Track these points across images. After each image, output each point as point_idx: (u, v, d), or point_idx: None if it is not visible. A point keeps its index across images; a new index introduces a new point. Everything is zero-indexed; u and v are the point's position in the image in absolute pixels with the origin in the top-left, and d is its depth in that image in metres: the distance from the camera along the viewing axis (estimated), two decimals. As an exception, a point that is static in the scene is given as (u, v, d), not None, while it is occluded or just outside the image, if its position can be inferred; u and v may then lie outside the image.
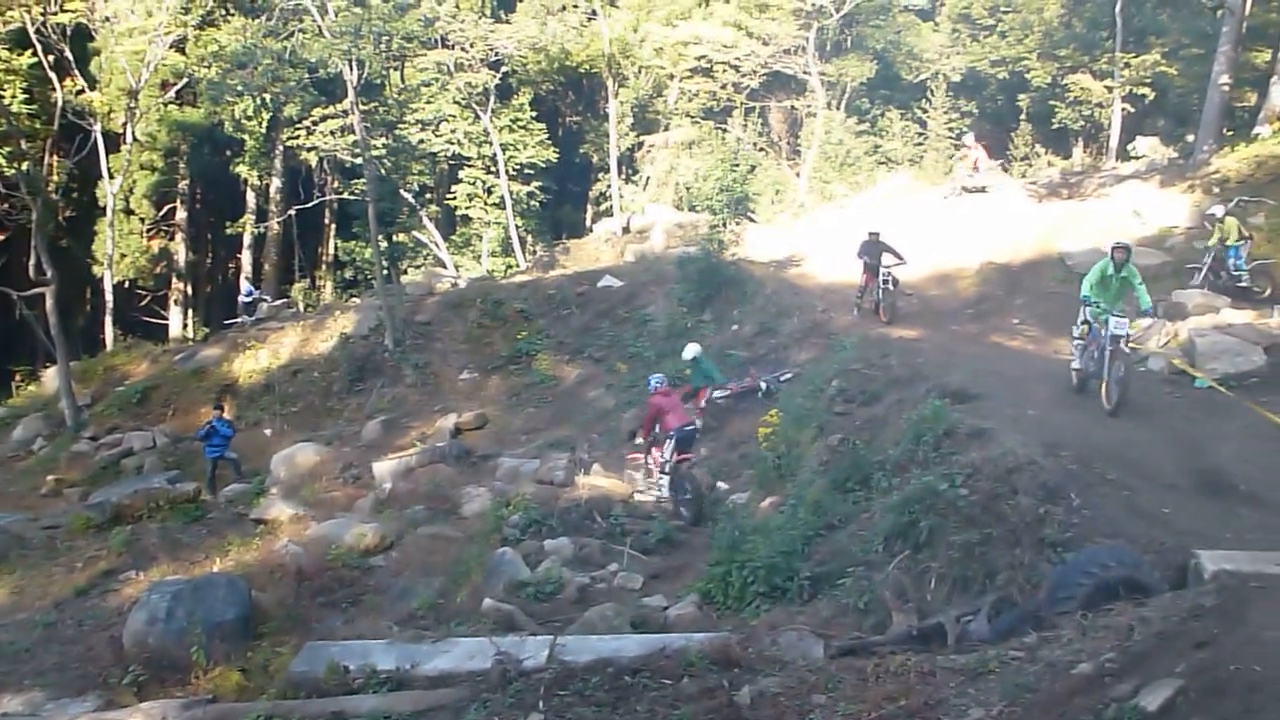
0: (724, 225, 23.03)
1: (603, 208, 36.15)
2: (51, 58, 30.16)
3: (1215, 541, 7.86)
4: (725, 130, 34.38)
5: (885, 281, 18.38)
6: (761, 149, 34.36)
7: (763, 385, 17.28)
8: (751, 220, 27.99)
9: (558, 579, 10.15)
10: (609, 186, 33.10)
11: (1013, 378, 12.74)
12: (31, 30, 28.79)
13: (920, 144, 33.98)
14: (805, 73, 33.71)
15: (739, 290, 21.07)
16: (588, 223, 37.16)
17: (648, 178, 35.00)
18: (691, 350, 17.08)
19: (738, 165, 29.54)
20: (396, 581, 11.10)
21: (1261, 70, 28.49)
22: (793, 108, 35.92)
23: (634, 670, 7.32)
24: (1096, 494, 8.57)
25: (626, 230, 30.27)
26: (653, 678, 7.19)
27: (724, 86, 34.90)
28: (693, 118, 35.37)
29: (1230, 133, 25.68)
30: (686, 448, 13.35)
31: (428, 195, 36.76)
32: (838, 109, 34.36)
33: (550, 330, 22.89)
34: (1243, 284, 17.36)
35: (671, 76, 35.50)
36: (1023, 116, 34.14)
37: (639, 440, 14.44)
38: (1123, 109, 30.77)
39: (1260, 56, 28.93)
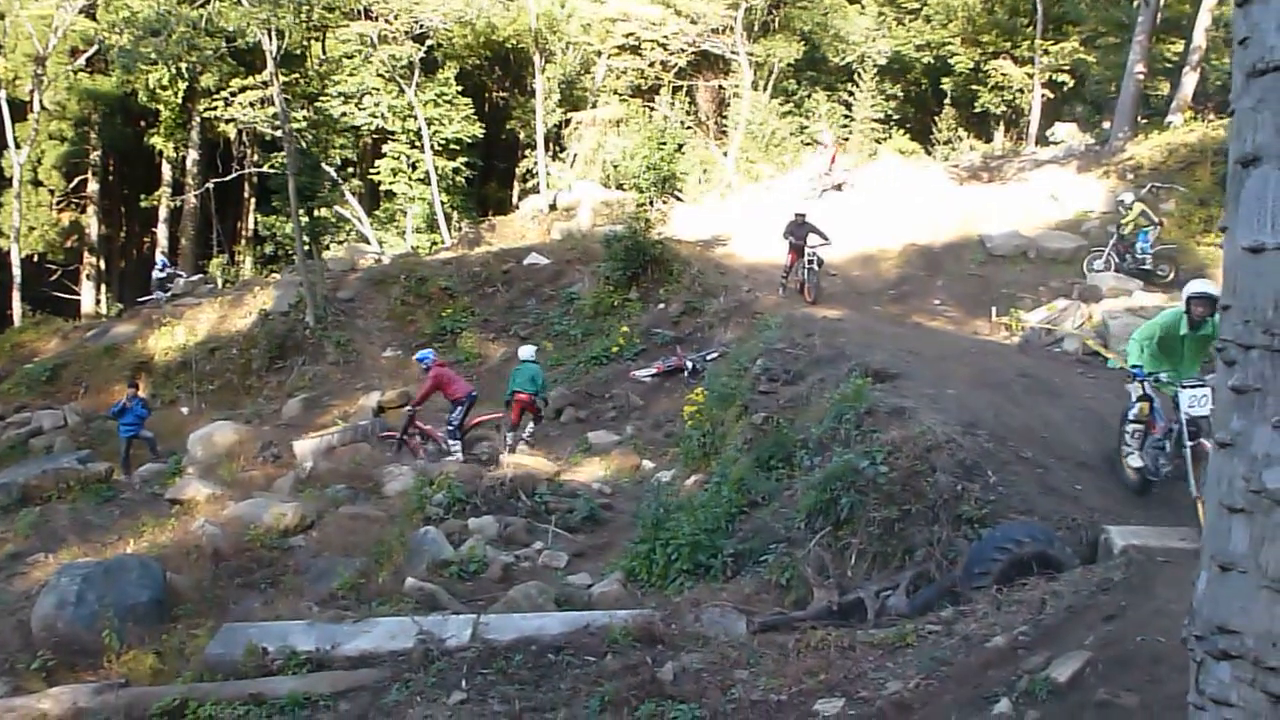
0: (651, 204, 23.06)
1: (529, 185, 35.83)
2: (-49, 20, 28.89)
3: (1124, 518, 8.12)
4: (653, 108, 34.34)
5: (810, 262, 18.64)
6: (689, 128, 34.38)
7: (689, 364, 17.36)
8: (678, 199, 28.06)
9: (481, 558, 10.08)
10: (535, 163, 32.85)
11: (933, 357, 12.95)
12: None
13: (846, 126, 34.31)
14: (733, 52, 33.77)
15: (665, 269, 21.11)
16: (514, 200, 36.86)
17: (575, 155, 34.76)
18: (526, 351, 16.60)
19: (665, 144, 29.55)
20: (317, 562, 10.89)
21: (1174, 60, 29.31)
22: (720, 87, 35.95)
23: (557, 648, 7.33)
24: (1012, 472, 8.78)
25: (553, 208, 30.09)
26: (576, 655, 7.21)
27: (652, 64, 34.79)
28: (620, 95, 35.21)
29: (1144, 120, 26.43)
30: (469, 412, 15.44)
31: (350, 169, 36.10)
32: (764, 89, 34.51)
33: (475, 308, 22.70)
34: (1146, 267, 18.04)
35: (599, 53, 35.29)
36: (946, 100, 34.68)
37: (407, 408, 15.76)
38: (1042, 95, 31.46)
39: (1173, 47, 29.75)
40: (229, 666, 7.95)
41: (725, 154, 33.06)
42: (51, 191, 35.17)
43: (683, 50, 34.19)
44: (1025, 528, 7.59)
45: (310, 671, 7.73)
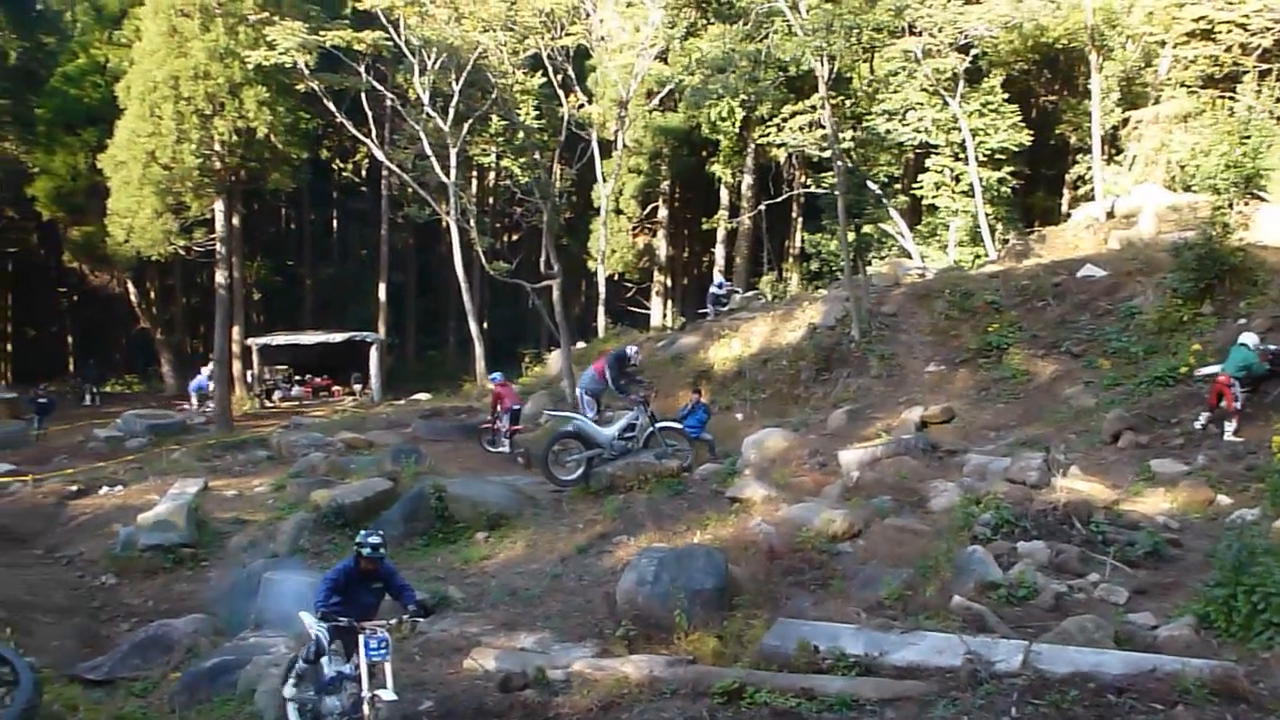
0: (1229, 206, 20.54)
1: (1080, 192, 33.80)
2: (559, 77, 34.10)
3: None
4: (1231, 98, 30.53)
5: None
6: (1278, 118, 30.07)
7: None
8: (1263, 199, 24.73)
9: (1031, 584, 9.71)
10: (1088, 169, 30.77)
11: None
12: (544, 54, 32.74)
13: None
14: (1337, 24, 28.99)
15: (1247, 279, 18.68)
16: (1063, 208, 34.98)
17: (1134, 157, 32.01)
18: (1246, 336, 15.67)
19: (1248, 137, 26.15)
20: (864, 569, 11.18)
21: None
22: (1319, 66, 31.04)
23: (1118, 689, 6.92)
24: None
25: (1110, 215, 28.01)
26: (1140, 700, 6.76)
27: (1228, 49, 30.93)
28: (1189, 87, 31.75)
29: None
30: (516, 421, 21.42)
31: (895, 185, 36.55)
32: (1382, 64, 29.19)
33: (1023, 323, 21.77)
34: None
35: (1162, 44, 32.17)
36: None
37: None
38: None
39: None
40: (782, 658, 8.52)
41: (1325, 144, 28.44)
42: (629, 218, 40.28)
43: (1268, 29, 29.99)
44: None
45: (858, 675, 8.04)
